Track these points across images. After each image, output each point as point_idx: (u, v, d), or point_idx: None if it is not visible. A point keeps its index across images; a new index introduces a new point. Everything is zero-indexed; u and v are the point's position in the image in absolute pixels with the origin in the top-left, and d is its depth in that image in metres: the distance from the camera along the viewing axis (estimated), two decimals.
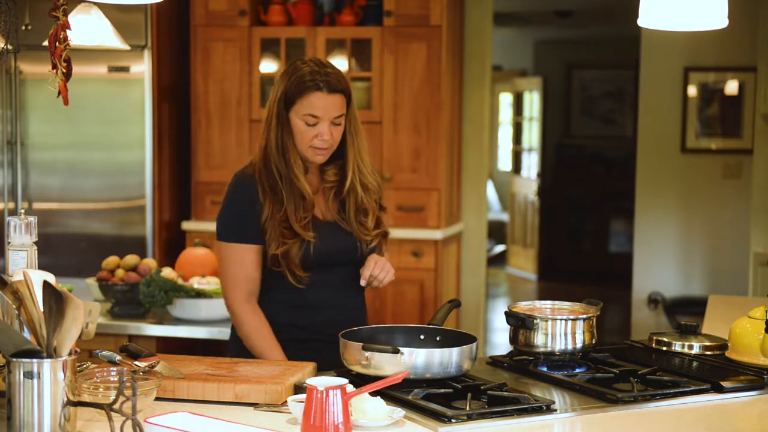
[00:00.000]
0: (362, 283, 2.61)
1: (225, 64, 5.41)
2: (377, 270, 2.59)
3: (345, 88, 2.63)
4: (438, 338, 2.43)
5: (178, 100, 5.48)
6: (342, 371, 2.32)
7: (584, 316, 2.47)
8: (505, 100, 12.05)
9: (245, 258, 2.61)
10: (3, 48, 2.80)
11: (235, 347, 2.71)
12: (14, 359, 1.80)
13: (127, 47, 3.27)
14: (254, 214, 2.60)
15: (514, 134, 11.32)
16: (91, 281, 3.84)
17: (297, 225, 2.57)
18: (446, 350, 2.21)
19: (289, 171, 2.61)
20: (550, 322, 2.44)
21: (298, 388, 2.18)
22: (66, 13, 2.44)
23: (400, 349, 2.17)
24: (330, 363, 2.42)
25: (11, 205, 5.06)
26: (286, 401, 2.07)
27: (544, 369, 2.42)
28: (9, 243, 2.28)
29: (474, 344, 2.27)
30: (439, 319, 2.53)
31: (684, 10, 2.46)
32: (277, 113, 2.62)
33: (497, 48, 9.72)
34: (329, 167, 2.69)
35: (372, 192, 2.72)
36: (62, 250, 5.09)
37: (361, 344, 2.21)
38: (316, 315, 2.65)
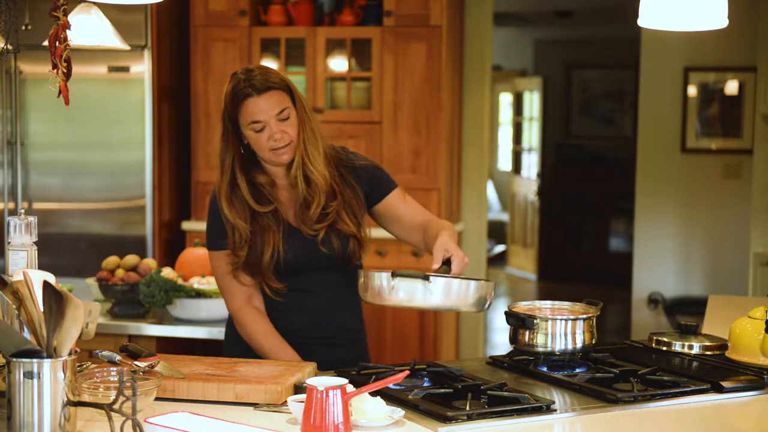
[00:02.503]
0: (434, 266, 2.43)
1: (225, 64, 5.41)
2: (457, 267, 2.40)
3: (275, 83, 2.57)
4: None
5: (178, 100, 5.48)
6: (342, 371, 2.32)
7: (584, 316, 2.47)
8: (505, 100, 12.05)
9: (229, 266, 2.64)
10: (3, 48, 2.80)
11: (230, 349, 2.72)
12: (14, 359, 1.80)
13: (127, 47, 3.27)
14: (227, 227, 2.64)
15: (514, 134, 11.32)
16: (91, 281, 3.84)
17: (235, 249, 2.58)
18: (472, 281, 2.25)
19: (226, 201, 2.62)
20: (550, 322, 2.44)
21: (298, 388, 2.18)
22: (66, 13, 2.43)
23: (430, 276, 2.19)
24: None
25: (11, 205, 5.06)
26: (286, 401, 2.07)
27: (544, 369, 2.42)
28: (9, 243, 2.29)
29: (493, 282, 2.33)
30: (444, 270, 2.45)
31: (684, 10, 2.46)
32: (224, 133, 2.63)
33: (497, 48, 9.72)
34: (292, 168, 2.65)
35: (315, 185, 2.60)
36: (62, 250, 5.09)
37: (391, 271, 2.24)
38: (294, 318, 2.64)
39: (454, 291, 2.26)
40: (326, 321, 2.65)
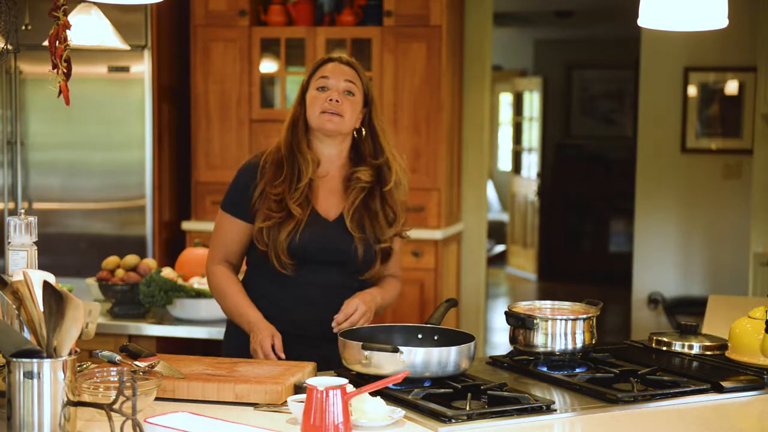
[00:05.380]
0: (333, 325, 2.61)
1: (225, 64, 5.41)
2: (346, 324, 2.59)
3: (358, 68, 2.73)
4: (436, 337, 2.43)
5: (178, 100, 5.48)
6: (342, 371, 2.32)
7: (584, 316, 2.47)
8: (505, 100, 12.06)
9: (229, 228, 2.71)
10: (3, 48, 2.80)
11: (228, 347, 2.74)
12: (14, 359, 1.80)
13: (127, 47, 3.27)
14: (248, 193, 2.68)
15: (514, 134, 11.32)
16: (91, 281, 3.84)
17: (289, 199, 2.62)
18: (445, 349, 2.22)
19: (296, 145, 2.68)
20: (550, 322, 2.44)
21: (298, 388, 2.18)
22: (66, 13, 2.44)
23: (400, 348, 2.17)
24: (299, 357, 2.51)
25: (11, 205, 5.06)
26: (286, 401, 2.07)
27: (544, 369, 2.42)
28: (9, 243, 2.29)
29: (472, 343, 2.27)
30: (436, 318, 2.53)
31: (684, 10, 2.46)
32: (297, 99, 2.74)
33: (497, 48, 9.72)
34: (361, 168, 2.72)
35: (404, 188, 2.78)
36: (62, 250, 5.09)
37: (361, 343, 2.21)
38: (293, 310, 2.67)
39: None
40: (323, 317, 2.65)
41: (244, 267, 2.85)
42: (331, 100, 2.65)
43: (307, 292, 2.67)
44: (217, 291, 2.74)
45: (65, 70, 2.41)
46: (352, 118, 2.69)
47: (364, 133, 2.75)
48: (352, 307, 2.61)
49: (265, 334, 2.57)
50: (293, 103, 2.78)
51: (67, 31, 2.42)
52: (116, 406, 1.78)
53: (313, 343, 2.63)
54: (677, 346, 2.65)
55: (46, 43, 2.43)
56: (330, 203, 2.70)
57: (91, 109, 5.10)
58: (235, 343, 2.71)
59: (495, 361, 2.55)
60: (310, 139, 2.72)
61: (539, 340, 2.45)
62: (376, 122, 2.75)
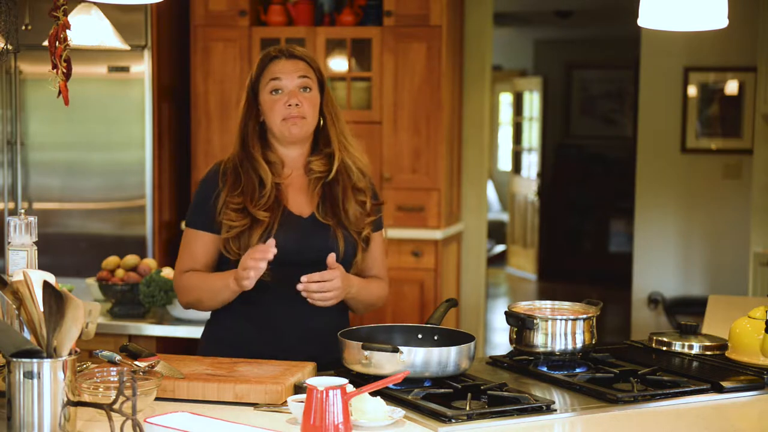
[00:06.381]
0: (303, 279, 2.43)
1: (225, 64, 5.41)
2: (314, 285, 2.43)
3: (306, 57, 2.59)
4: (436, 337, 2.43)
5: (178, 100, 5.48)
6: (342, 371, 2.32)
7: (584, 316, 2.47)
8: (505, 100, 12.05)
9: (196, 243, 2.59)
10: (3, 48, 2.80)
11: (204, 349, 2.64)
12: (14, 359, 1.80)
13: (127, 47, 3.27)
14: (210, 203, 2.57)
15: (514, 134, 11.32)
16: (91, 281, 3.85)
17: (252, 206, 2.51)
18: (445, 349, 2.21)
19: (248, 155, 2.58)
20: (550, 322, 2.44)
21: (298, 388, 2.18)
22: (66, 13, 2.44)
23: (400, 348, 2.17)
24: None
25: (11, 205, 5.06)
26: (286, 401, 2.07)
27: (544, 369, 2.42)
28: (9, 243, 2.28)
29: (472, 343, 2.27)
30: (436, 318, 2.53)
31: (684, 10, 2.46)
32: (245, 102, 2.62)
33: (497, 48, 9.72)
34: (315, 158, 2.62)
35: (363, 171, 2.64)
36: (62, 250, 5.09)
37: (361, 343, 2.21)
38: (274, 333, 2.54)
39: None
40: (302, 326, 2.55)
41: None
42: (290, 105, 2.54)
43: (287, 304, 2.52)
44: (188, 288, 2.58)
45: (65, 70, 2.41)
46: (315, 115, 2.59)
47: (322, 122, 2.64)
48: (332, 280, 2.44)
49: (245, 263, 2.40)
50: (240, 105, 2.64)
51: (67, 31, 2.42)
52: (116, 406, 1.78)
53: (300, 352, 2.52)
54: (677, 346, 2.65)
55: (46, 43, 2.43)
56: (301, 200, 2.60)
57: (91, 109, 5.10)
58: (210, 345, 2.62)
59: (495, 361, 2.55)
60: (270, 141, 2.62)
61: (539, 340, 2.45)
62: (326, 109, 2.62)
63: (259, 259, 2.38)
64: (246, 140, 2.60)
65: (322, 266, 2.48)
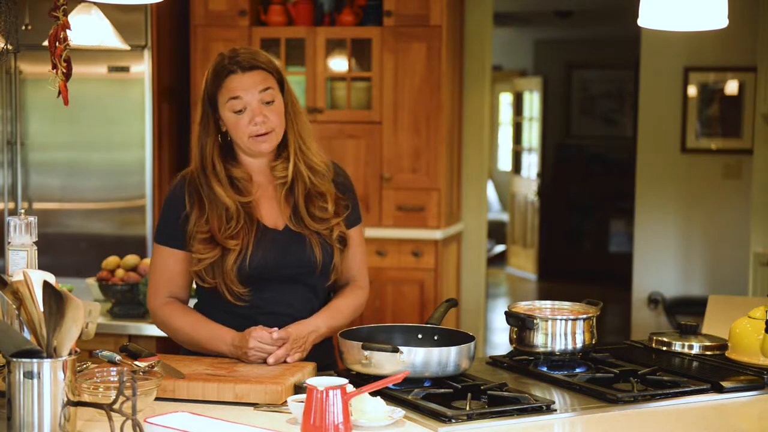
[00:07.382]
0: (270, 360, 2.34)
1: None
2: (282, 351, 2.33)
3: (263, 63, 2.46)
4: (436, 337, 2.43)
5: (178, 100, 5.48)
6: (342, 371, 2.32)
7: (584, 316, 2.47)
8: (505, 100, 12.06)
9: (167, 262, 2.50)
10: (3, 48, 2.80)
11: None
12: (14, 359, 1.80)
13: (127, 47, 3.27)
14: (180, 220, 2.47)
15: (514, 134, 11.32)
16: (91, 281, 3.84)
17: (219, 235, 2.40)
18: (445, 349, 2.22)
19: (207, 180, 2.45)
20: (550, 322, 2.44)
21: (298, 388, 2.18)
22: (66, 13, 2.43)
23: (400, 348, 2.17)
24: None
25: (11, 205, 5.06)
26: (286, 401, 2.07)
27: (544, 369, 2.42)
28: (9, 243, 2.28)
29: (472, 343, 2.27)
30: (436, 318, 2.53)
31: (684, 10, 2.46)
32: (202, 116, 2.49)
33: (497, 48, 9.73)
34: (276, 162, 2.51)
35: (322, 174, 2.52)
36: (62, 250, 5.08)
37: (361, 343, 2.21)
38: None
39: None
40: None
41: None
42: (256, 123, 2.42)
43: (271, 317, 2.46)
44: (174, 329, 2.50)
45: (65, 70, 2.41)
46: (281, 124, 2.47)
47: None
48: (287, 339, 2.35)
49: (253, 333, 2.35)
50: (195, 121, 2.50)
51: (67, 31, 2.42)
52: (116, 406, 1.78)
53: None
54: (677, 346, 2.65)
55: (46, 43, 2.43)
56: (274, 211, 2.50)
57: (91, 109, 5.10)
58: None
59: (495, 361, 2.55)
60: (235, 151, 2.50)
61: (539, 340, 2.45)
62: (285, 111, 2.50)
63: (260, 348, 2.33)
64: (205, 161, 2.48)
65: (301, 280, 2.48)
